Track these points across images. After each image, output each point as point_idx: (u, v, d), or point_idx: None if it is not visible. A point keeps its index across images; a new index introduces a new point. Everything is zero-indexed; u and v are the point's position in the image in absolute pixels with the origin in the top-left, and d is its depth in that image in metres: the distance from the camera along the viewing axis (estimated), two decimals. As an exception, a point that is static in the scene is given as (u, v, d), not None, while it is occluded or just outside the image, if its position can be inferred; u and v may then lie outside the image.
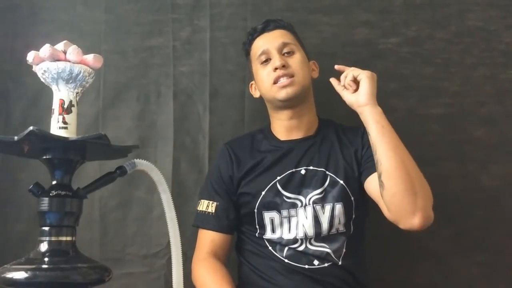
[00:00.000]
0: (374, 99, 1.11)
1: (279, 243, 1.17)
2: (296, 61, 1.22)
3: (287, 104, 1.23)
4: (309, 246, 1.15)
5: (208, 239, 1.22)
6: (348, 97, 1.14)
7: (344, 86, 1.15)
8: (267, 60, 1.24)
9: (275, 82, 1.21)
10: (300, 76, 1.21)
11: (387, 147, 1.06)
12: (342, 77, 1.17)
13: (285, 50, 1.23)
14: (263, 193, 1.19)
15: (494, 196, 1.42)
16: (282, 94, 1.20)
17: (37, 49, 0.78)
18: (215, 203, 1.23)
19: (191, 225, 1.27)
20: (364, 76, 1.11)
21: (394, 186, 1.03)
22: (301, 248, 1.15)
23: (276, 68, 1.20)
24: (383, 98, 1.44)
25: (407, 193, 1.02)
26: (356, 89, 1.13)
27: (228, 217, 1.22)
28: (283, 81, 1.20)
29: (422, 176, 1.06)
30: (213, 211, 1.22)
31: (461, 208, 1.41)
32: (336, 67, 1.20)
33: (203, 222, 1.24)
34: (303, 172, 1.20)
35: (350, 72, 1.14)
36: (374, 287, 1.24)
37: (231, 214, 1.23)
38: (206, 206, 1.24)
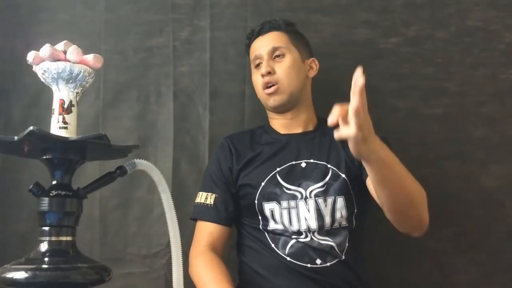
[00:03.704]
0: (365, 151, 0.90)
1: (283, 235, 1.16)
2: (283, 66, 1.24)
3: (278, 110, 1.28)
4: (314, 238, 1.15)
5: (207, 231, 1.21)
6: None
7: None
8: (259, 65, 1.28)
9: (264, 88, 1.26)
10: (285, 83, 1.24)
11: (390, 190, 1.00)
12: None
13: (276, 54, 1.26)
14: (263, 184, 1.19)
15: (494, 196, 1.41)
16: (270, 102, 1.26)
17: (37, 49, 0.78)
18: (214, 195, 1.23)
19: (191, 225, 1.27)
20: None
21: (398, 218, 1.06)
22: (307, 239, 1.15)
23: (262, 75, 1.24)
24: (383, 98, 1.46)
25: (411, 213, 1.05)
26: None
27: (227, 209, 1.22)
28: (269, 89, 1.24)
29: (417, 184, 1.05)
30: (212, 203, 1.22)
31: (461, 208, 1.41)
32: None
33: (201, 214, 1.23)
34: (303, 165, 1.20)
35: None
36: (374, 287, 1.24)
37: (230, 206, 1.23)
38: (205, 198, 1.23)
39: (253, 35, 1.32)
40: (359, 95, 0.82)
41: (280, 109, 1.27)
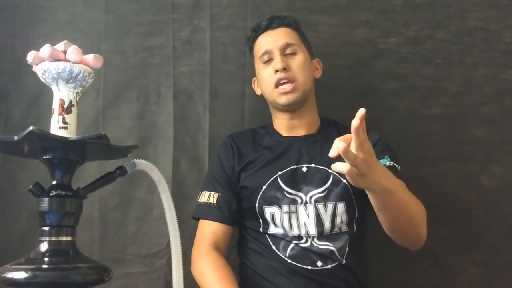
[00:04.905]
0: (368, 183, 0.92)
1: (283, 239, 1.16)
2: (297, 63, 1.22)
3: (288, 108, 1.24)
4: (314, 243, 1.14)
5: (210, 230, 1.20)
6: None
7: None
8: (269, 60, 1.24)
9: (276, 86, 1.21)
10: (300, 81, 1.21)
11: (391, 214, 1.03)
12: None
13: (287, 51, 1.23)
14: (264, 187, 1.18)
15: (494, 196, 1.41)
16: (283, 100, 1.21)
17: (37, 49, 0.78)
18: (217, 194, 1.22)
19: (191, 225, 1.27)
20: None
21: (397, 236, 1.10)
22: (307, 244, 1.14)
23: (277, 71, 1.20)
24: (383, 98, 1.46)
25: (411, 233, 1.08)
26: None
27: (230, 208, 1.21)
28: (285, 87, 1.20)
29: (417, 204, 1.07)
30: (215, 202, 1.21)
31: (461, 208, 1.41)
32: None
33: (204, 213, 1.22)
34: (304, 169, 1.20)
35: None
36: (374, 287, 1.24)
37: (233, 205, 1.21)
38: (208, 197, 1.22)
39: (260, 29, 1.28)
40: (354, 136, 0.83)
41: (291, 107, 1.23)
